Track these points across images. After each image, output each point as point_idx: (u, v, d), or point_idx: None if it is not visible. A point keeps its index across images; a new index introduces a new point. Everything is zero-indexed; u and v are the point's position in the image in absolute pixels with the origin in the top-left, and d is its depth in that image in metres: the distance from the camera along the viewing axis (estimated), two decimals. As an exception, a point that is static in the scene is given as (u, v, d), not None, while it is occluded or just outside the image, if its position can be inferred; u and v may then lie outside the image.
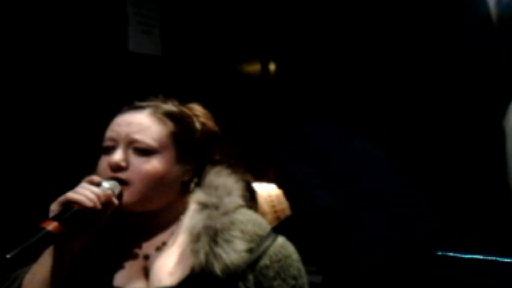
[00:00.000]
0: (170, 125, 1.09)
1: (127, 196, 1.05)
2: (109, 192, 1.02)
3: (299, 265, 1.12)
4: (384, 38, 2.48)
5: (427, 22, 2.42)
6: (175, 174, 1.09)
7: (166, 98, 1.17)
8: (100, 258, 1.08)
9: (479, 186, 2.28)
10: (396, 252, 1.87)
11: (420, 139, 2.50)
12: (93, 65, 2.14)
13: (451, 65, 2.41)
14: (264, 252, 1.07)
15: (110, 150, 1.07)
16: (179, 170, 1.09)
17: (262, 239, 1.07)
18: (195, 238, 1.04)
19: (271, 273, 1.06)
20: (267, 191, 2.22)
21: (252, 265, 1.05)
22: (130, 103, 1.14)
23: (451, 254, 2.07)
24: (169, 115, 1.11)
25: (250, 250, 1.05)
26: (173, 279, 1.04)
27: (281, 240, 1.11)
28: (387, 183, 1.99)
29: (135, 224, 1.11)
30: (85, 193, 1.00)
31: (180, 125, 1.11)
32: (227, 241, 1.04)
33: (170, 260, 1.07)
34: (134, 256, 1.09)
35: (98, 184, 1.03)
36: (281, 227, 2.05)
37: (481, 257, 2.07)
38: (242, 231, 1.06)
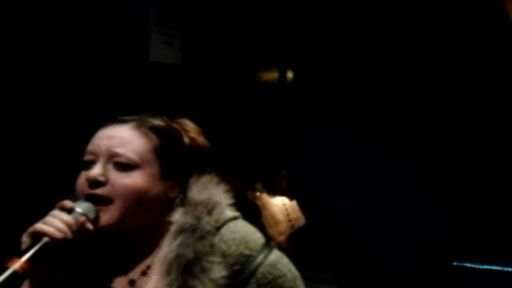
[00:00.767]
0: (154, 139, 1.03)
1: (106, 216, 0.97)
2: (83, 218, 0.95)
3: (294, 284, 1.01)
4: (406, 52, 2.49)
5: (448, 43, 2.42)
6: (158, 190, 1.01)
7: (154, 113, 1.10)
8: (85, 284, 1.01)
9: (496, 196, 2.27)
10: (421, 258, 1.88)
11: (439, 148, 2.50)
12: (116, 74, 2.19)
13: (467, 80, 2.41)
14: (251, 274, 0.97)
15: (89, 164, 1.01)
16: (163, 186, 1.02)
17: (249, 259, 0.97)
18: (167, 270, 0.97)
19: None
20: (282, 200, 2.24)
21: None
22: (114, 118, 1.07)
23: (468, 265, 2.07)
24: (154, 129, 1.04)
25: (233, 275, 0.96)
26: None
27: (272, 258, 1.00)
28: (407, 192, 2.00)
29: (118, 245, 1.04)
30: (54, 223, 0.93)
31: (165, 140, 1.04)
32: (204, 270, 0.95)
33: (155, 286, 0.99)
34: (120, 282, 1.02)
35: (70, 210, 0.96)
36: (295, 236, 2.08)
37: (498, 268, 2.06)
38: (223, 254, 0.97)
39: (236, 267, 0.97)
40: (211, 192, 1.04)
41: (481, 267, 2.08)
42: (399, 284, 1.86)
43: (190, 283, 0.94)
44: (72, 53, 2.04)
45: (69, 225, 0.93)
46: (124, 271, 1.03)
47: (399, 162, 2.07)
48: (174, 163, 1.04)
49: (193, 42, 2.50)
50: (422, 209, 1.96)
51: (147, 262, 1.02)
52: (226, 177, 1.10)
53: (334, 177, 1.95)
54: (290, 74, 3.11)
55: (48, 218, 0.94)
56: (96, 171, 0.99)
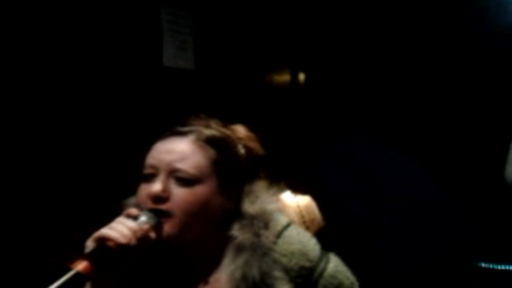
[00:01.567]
0: (212, 152, 1.05)
1: (168, 228, 1.00)
2: (147, 226, 0.99)
3: None
4: (425, 53, 2.48)
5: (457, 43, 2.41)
6: (217, 203, 1.04)
7: (208, 119, 1.12)
8: None
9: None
10: (438, 262, 1.87)
11: (455, 150, 2.49)
12: (129, 79, 2.21)
13: (480, 80, 2.40)
14: (314, 286, 1.02)
15: (150, 178, 1.04)
16: (221, 199, 1.05)
17: (310, 271, 1.02)
18: None
19: None
20: (296, 201, 2.24)
21: None
22: (171, 128, 1.09)
23: (484, 265, 2.05)
24: (211, 141, 1.06)
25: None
26: None
27: (331, 267, 1.05)
28: (424, 193, 1.99)
29: (177, 258, 1.06)
30: (120, 228, 0.96)
31: (222, 152, 1.07)
32: (269, 286, 0.99)
33: None
34: None
35: (135, 217, 1.00)
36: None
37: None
38: (285, 268, 1.01)
39: (299, 280, 1.01)
40: (263, 201, 1.07)
41: (499, 267, 2.06)
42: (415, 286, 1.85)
43: None
44: (84, 59, 2.05)
45: (133, 232, 0.96)
46: (183, 284, 1.05)
47: (423, 165, 2.06)
48: (231, 175, 1.07)
49: (205, 46, 2.51)
50: (448, 212, 1.94)
51: (208, 276, 1.05)
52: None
53: (349, 177, 1.95)
54: (302, 76, 3.11)
55: (114, 224, 0.98)
56: (158, 187, 1.01)
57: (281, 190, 1.15)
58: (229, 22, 2.64)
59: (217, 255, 1.05)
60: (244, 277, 0.99)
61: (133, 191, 2.11)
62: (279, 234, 1.04)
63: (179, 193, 1.01)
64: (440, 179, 2.08)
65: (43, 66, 1.92)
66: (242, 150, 1.12)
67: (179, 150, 1.04)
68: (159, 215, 1.01)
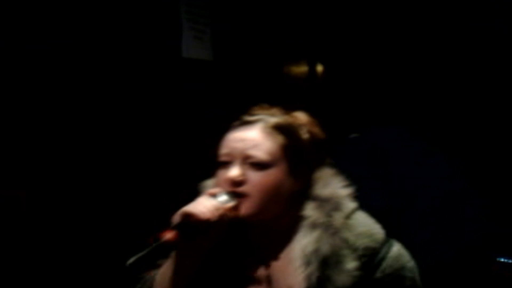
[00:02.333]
0: (280, 138, 1.14)
1: (245, 208, 1.11)
2: (228, 205, 1.10)
3: (413, 275, 1.14)
4: (446, 46, 2.44)
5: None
6: (288, 185, 1.13)
7: (271, 107, 1.21)
8: (224, 269, 1.15)
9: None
10: (461, 255, 1.86)
11: (481, 142, 2.46)
12: (148, 70, 2.23)
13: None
14: (377, 266, 1.10)
15: (226, 164, 1.14)
16: (291, 181, 1.14)
17: (374, 252, 1.10)
18: (306, 262, 1.09)
19: (384, 286, 1.09)
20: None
21: (364, 281, 1.08)
22: (239, 119, 1.19)
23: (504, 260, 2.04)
24: (278, 128, 1.15)
25: (362, 266, 1.08)
26: None
27: (394, 250, 1.12)
28: (448, 185, 1.97)
29: (252, 236, 1.17)
30: (203, 205, 1.08)
31: (289, 137, 1.15)
32: (338, 262, 1.07)
33: (294, 276, 1.10)
34: (257, 269, 1.15)
35: (216, 196, 1.11)
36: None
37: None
38: (353, 247, 1.09)
39: (364, 259, 1.09)
40: (334, 186, 1.16)
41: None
42: (434, 280, 1.84)
43: (327, 274, 1.07)
44: (104, 50, 2.07)
45: (216, 209, 1.08)
46: (259, 260, 1.15)
47: (448, 157, 2.03)
48: (299, 158, 1.15)
49: (223, 37, 2.51)
50: (473, 206, 1.92)
51: (282, 252, 1.15)
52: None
53: (372, 168, 1.93)
54: (319, 68, 3.10)
55: (198, 201, 1.10)
56: (236, 172, 1.12)
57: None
58: (247, 13, 2.63)
59: (288, 233, 1.14)
60: (315, 252, 1.08)
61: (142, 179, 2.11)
62: (348, 216, 1.13)
63: (254, 177, 1.11)
64: (464, 170, 2.06)
65: (60, 56, 1.94)
66: (306, 135, 1.18)
67: (251, 138, 1.14)
68: (237, 197, 1.11)
